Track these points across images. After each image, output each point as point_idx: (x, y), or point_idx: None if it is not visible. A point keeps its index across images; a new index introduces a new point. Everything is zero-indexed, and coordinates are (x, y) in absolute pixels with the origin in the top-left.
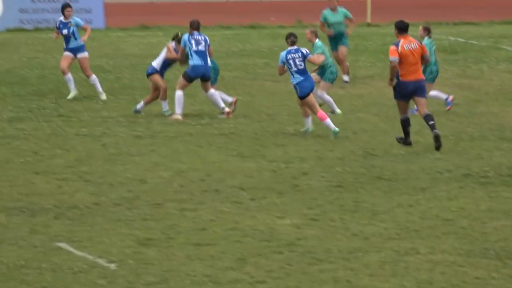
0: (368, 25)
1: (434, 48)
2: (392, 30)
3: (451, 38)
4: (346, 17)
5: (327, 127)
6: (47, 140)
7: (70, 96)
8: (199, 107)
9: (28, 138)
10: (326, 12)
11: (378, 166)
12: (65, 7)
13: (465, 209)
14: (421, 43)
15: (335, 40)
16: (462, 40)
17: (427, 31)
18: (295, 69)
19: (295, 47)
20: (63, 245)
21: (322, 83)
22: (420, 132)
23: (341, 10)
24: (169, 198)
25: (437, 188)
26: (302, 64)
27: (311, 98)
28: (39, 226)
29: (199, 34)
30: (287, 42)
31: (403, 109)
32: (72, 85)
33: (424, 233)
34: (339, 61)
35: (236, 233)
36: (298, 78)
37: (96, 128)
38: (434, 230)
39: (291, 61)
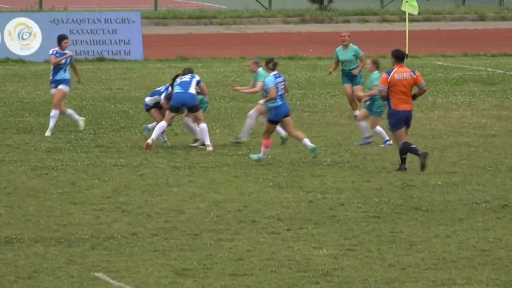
0: (407, 56)
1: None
2: (431, 61)
3: (490, 69)
4: (356, 55)
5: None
6: (85, 171)
7: (81, 126)
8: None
9: (66, 169)
10: (337, 49)
11: (415, 197)
12: (63, 39)
13: (502, 240)
14: (415, 73)
15: (348, 76)
16: (501, 71)
17: (376, 64)
18: (280, 93)
19: (276, 72)
20: (100, 275)
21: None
22: (457, 163)
23: (352, 47)
24: (206, 228)
25: (474, 219)
26: (283, 89)
27: (289, 119)
28: (76, 257)
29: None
30: (269, 67)
31: (403, 137)
32: (76, 116)
33: (461, 264)
34: (350, 98)
35: (272, 263)
36: (279, 102)
37: (134, 159)
38: (471, 261)
39: (278, 85)
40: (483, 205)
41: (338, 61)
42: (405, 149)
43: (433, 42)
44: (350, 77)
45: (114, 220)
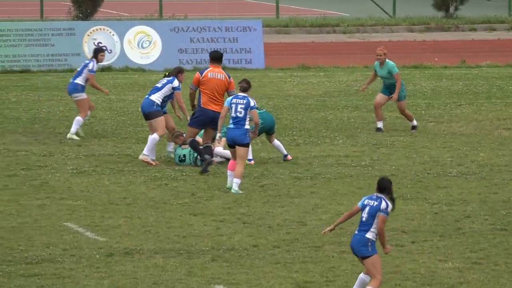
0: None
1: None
2: None
3: None
4: (390, 72)
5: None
6: (205, 181)
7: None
8: (360, 149)
9: (186, 179)
10: (375, 64)
11: None
12: (100, 51)
13: None
14: (230, 78)
15: (387, 88)
16: None
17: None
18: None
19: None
20: (220, 287)
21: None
22: None
23: (388, 64)
24: (328, 240)
25: None
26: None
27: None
28: (196, 269)
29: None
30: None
31: (194, 135)
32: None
33: None
34: (377, 107)
35: (397, 276)
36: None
37: (255, 169)
38: None
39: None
40: None
41: (375, 75)
42: (194, 147)
43: None
44: (390, 89)
45: (234, 232)
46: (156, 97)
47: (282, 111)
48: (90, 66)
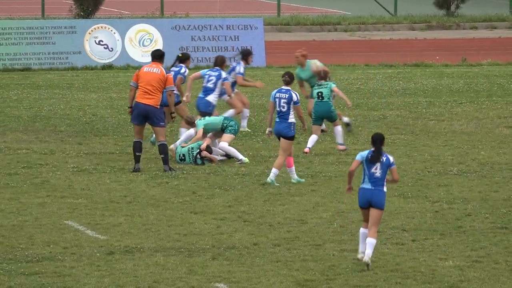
0: None
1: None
2: None
3: None
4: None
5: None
6: (206, 180)
7: None
8: (361, 147)
9: (187, 178)
10: (297, 70)
11: None
12: (250, 54)
13: None
14: (166, 72)
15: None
16: None
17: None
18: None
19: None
20: (221, 285)
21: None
22: None
23: (309, 63)
24: (329, 238)
25: None
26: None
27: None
28: (197, 267)
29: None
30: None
31: (138, 133)
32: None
33: None
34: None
35: (397, 274)
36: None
37: (256, 168)
38: None
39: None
40: None
41: (303, 81)
42: (134, 148)
43: None
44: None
45: (235, 230)
46: (213, 98)
47: None
48: (237, 69)
